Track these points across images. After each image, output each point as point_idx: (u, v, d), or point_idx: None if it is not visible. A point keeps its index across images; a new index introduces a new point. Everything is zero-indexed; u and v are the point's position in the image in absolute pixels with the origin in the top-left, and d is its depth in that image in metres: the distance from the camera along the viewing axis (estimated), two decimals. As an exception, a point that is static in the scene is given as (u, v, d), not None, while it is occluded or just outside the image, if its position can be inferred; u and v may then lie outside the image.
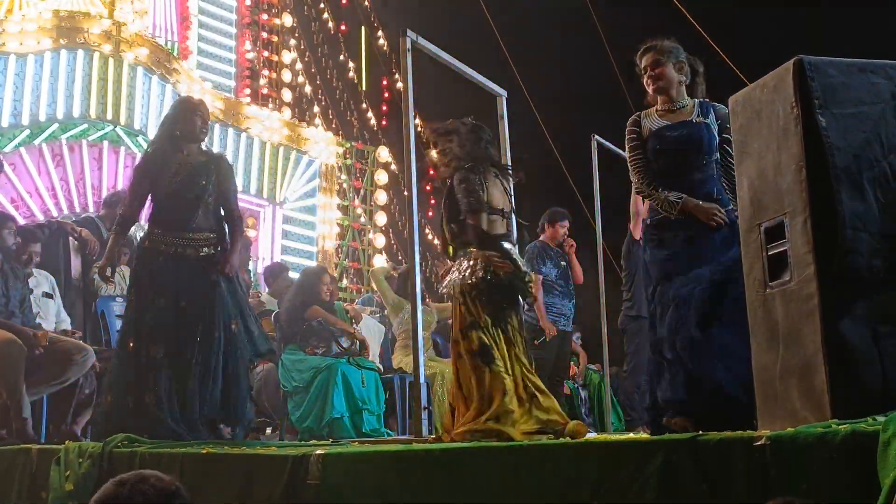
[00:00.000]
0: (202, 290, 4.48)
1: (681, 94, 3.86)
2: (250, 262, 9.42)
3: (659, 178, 3.79)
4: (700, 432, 2.46)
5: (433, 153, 4.31)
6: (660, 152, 3.80)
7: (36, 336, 4.91)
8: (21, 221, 7.60)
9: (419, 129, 5.30)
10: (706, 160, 3.74)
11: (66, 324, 5.71)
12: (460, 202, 4.08)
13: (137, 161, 4.86)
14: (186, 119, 4.65)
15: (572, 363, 8.23)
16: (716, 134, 3.77)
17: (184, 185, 4.54)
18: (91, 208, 9.81)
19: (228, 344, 4.48)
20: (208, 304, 4.46)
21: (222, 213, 4.68)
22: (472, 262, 4.00)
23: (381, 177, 14.68)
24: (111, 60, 10.54)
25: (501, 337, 3.92)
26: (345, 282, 13.66)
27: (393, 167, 14.63)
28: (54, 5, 10.80)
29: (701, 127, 3.76)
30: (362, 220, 14.46)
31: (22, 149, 10.01)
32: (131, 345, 4.43)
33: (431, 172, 4.45)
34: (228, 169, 4.76)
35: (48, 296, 5.65)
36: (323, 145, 13.63)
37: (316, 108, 15.28)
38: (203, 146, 4.76)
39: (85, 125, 10.44)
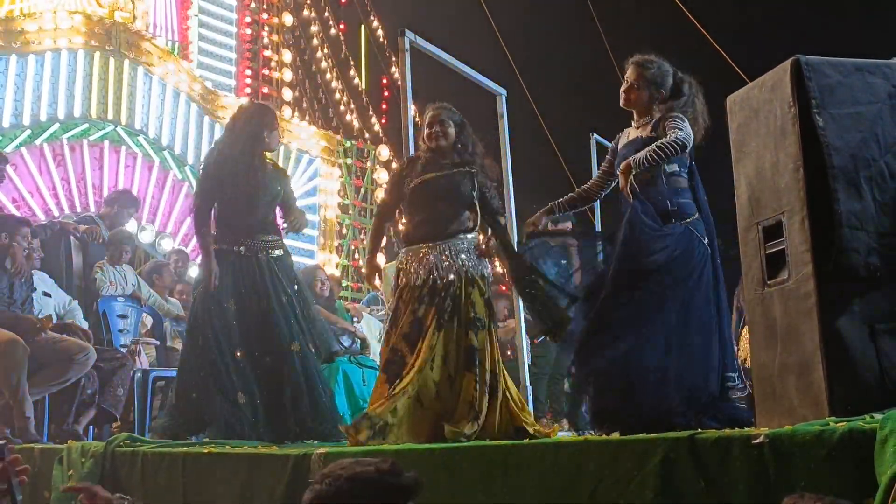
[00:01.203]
0: (275, 293, 4.55)
1: (650, 112, 3.81)
2: None
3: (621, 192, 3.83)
4: (699, 430, 2.48)
5: (451, 130, 4.16)
6: (618, 168, 3.79)
7: (41, 321, 4.99)
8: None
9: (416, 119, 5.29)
10: (652, 174, 3.66)
11: (73, 316, 5.72)
12: (493, 197, 4.17)
13: (206, 165, 4.82)
14: (272, 131, 4.73)
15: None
16: None
17: (263, 191, 4.63)
18: (92, 208, 9.82)
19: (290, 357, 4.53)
20: (280, 310, 4.53)
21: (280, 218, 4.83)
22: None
23: (382, 175, 14.68)
24: (112, 60, 10.55)
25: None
26: (347, 280, 13.66)
27: (394, 165, 14.63)
28: (55, 6, 10.81)
29: (647, 142, 3.70)
30: (363, 218, 14.47)
31: (23, 149, 10.01)
32: (200, 343, 4.48)
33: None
34: (287, 176, 5.00)
35: (47, 295, 5.67)
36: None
37: (316, 107, 15.29)
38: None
39: (86, 125, 10.46)
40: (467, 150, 4.18)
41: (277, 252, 4.68)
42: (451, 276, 4.00)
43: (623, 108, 3.88)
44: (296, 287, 4.69)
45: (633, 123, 3.90)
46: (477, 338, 3.94)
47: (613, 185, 3.95)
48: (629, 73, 3.85)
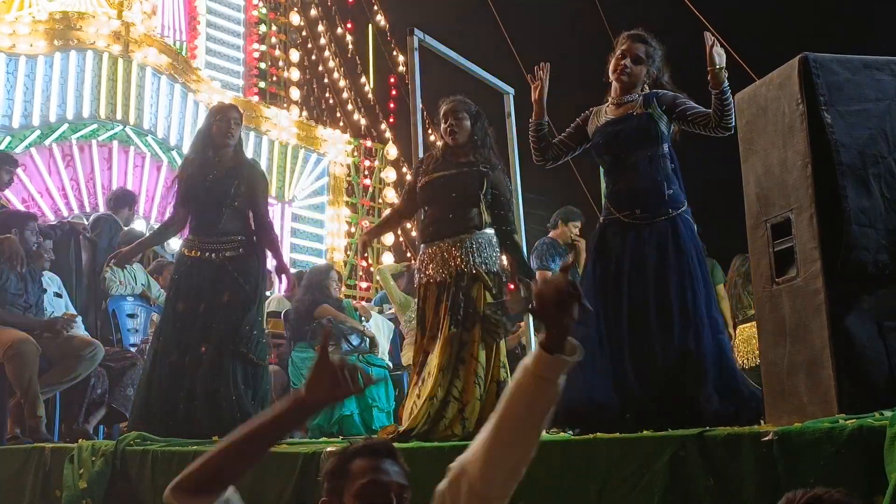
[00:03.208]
0: (221, 294, 4.49)
1: (634, 89, 3.69)
2: None
3: (608, 175, 3.72)
4: (707, 427, 2.48)
5: (466, 123, 4.09)
6: (604, 148, 3.68)
7: (61, 319, 5.09)
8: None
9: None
10: (651, 153, 3.57)
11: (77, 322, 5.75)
12: (505, 200, 4.11)
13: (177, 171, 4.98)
14: (212, 125, 4.67)
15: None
16: (662, 124, 3.58)
17: (212, 190, 4.56)
18: (101, 208, 9.86)
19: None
20: (225, 311, 4.47)
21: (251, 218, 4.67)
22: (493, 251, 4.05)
23: (390, 174, 14.70)
24: (120, 61, 10.59)
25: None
26: (354, 279, 13.68)
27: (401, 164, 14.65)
28: (64, 6, 10.86)
29: (642, 118, 3.59)
30: (371, 217, 14.49)
31: (33, 149, 10.07)
32: (156, 347, 4.56)
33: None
34: (259, 175, 4.77)
35: (58, 296, 5.70)
36: (340, 146, 13.66)
37: (324, 106, 15.32)
38: (234, 151, 4.69)
39: (95, 125, 10.50)
40: (484, 146, 4.15)
41: (230, 253, 4.54)
42: (459, 272, 3.99)
43: (615, 80, 3.69)
44: (246, 288, 4.53)
45: (611, 99, 3.73)
46: (469, 334, 3.88)
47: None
48: (631, 46, 3.67)
